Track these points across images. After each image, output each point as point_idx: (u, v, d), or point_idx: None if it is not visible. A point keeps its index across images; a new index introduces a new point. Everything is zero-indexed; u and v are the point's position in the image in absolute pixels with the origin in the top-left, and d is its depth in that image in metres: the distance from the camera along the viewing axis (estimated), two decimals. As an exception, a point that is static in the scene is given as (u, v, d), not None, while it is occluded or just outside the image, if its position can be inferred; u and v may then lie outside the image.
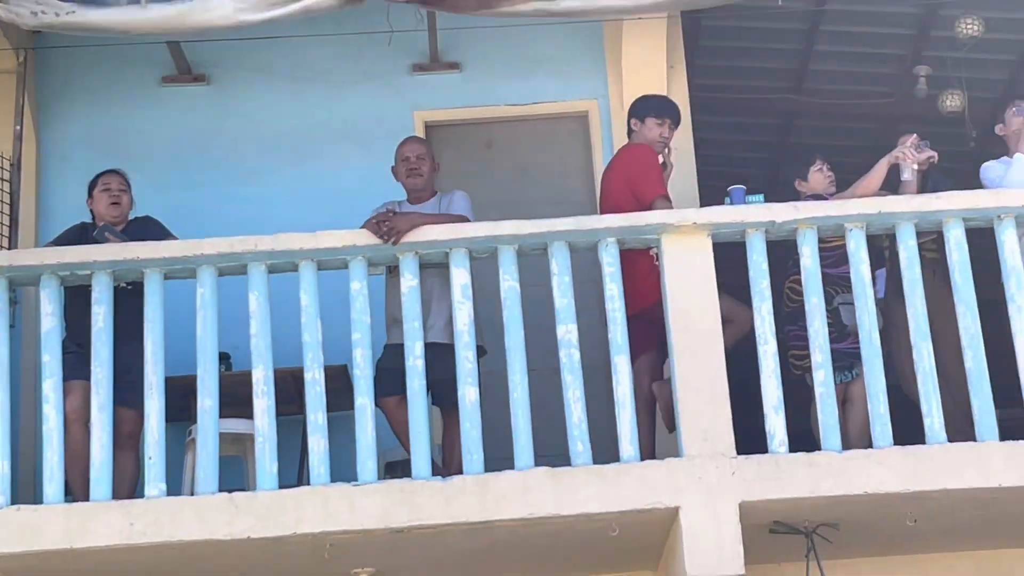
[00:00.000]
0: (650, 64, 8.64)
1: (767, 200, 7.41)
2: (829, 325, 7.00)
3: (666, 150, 7.75)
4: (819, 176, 7.97)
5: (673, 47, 8.79)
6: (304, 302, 6.98)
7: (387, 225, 6.97)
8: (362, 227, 7.05)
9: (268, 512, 6.66)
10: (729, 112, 11.24)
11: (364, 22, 8.27)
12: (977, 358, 6.88)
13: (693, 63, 10.33)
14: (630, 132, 7.81)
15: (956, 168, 10.48)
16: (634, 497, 6.69)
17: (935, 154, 7.73)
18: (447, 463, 7.32)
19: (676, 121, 7.80)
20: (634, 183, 7.53)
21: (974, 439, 6.80)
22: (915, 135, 7.89)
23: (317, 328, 6.95)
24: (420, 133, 8.76)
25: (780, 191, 8.34)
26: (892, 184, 7.62)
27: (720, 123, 11.32)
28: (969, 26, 9.50)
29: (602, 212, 7.57)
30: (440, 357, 7.11)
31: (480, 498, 6.68)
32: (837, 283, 7.45)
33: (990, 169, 7.81)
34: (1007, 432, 6.88)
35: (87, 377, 6.90)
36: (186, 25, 7.66)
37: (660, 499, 6.69)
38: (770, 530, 6.92)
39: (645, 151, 7.66)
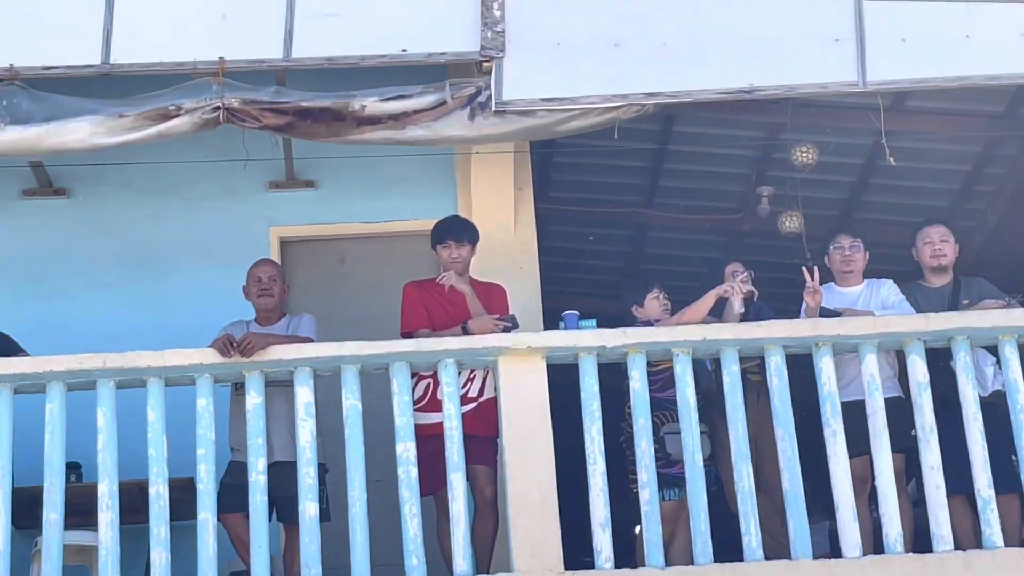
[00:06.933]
0: (498, 186, 8.98)
1: (599, 325, 7.75)
2: (656, 452, 7.36)
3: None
4: (655, 303, 8.31)
5: (521, 169, 9.12)
6: (151, 418, 7.20)
7: (244, 341, 7.23)
8: (209, 346, 7.31)
9: (109, 622, 6.84)
10: (585, 224, 11.63)
11: (222, 140, 8.48)
12: (793, 480, 7.26)
13: (548, 177, 10.74)
14: None
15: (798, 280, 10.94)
16: (463, 611, 6.98)
17: (755, 292, 8.13)
18: (287, 576, 7.57)
19: (458, 238, 8.08)
20: None
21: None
22: (741, 266, 8.33)
23: (163, 444, 7.16)
24: (275, 249, 9.04)
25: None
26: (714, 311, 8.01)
27: (575, 234, 11.71)
28: (804, 154, 9.94)
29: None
30: (284, 473, 7.37)
31: (317, 610, 6.92)
32: (664, 407, 7.78)
33: (813, 293, 8.21)
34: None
35: None
36: (43, 147, 7.89)
37: (489, 613, 7.00)
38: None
39: (404, 289, 8.05)
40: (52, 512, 7.07)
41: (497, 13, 8.02)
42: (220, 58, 7.90)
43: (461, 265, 8.02)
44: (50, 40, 8.00)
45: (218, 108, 7.84)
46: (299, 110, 7.90)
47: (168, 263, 9.07)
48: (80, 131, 7.80)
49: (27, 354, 7.61)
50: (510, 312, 7.90)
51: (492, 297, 7.98)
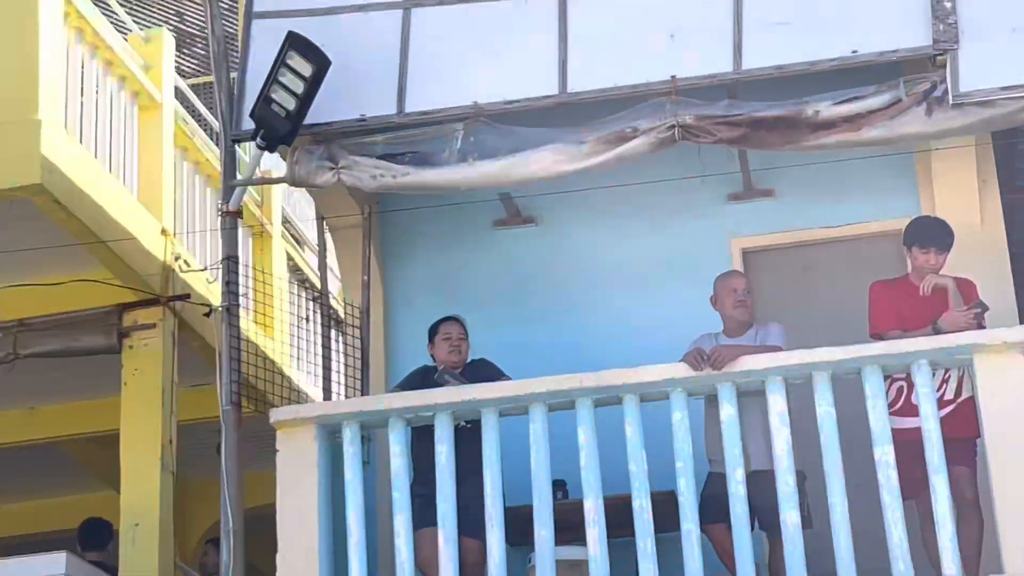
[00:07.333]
0: (961, 180, 8.77)
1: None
2: None
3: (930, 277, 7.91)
4: None
5: (984, 161, 8.88)
6: (629, 433, 7.41)
7: (714, 354, 7.36)
8: (681, 360, 7.46)
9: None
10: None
11: (678, 156, 8.58)
12: None
13: (1013, 167, 10.40)
14: None
15: None
16: (955, 615, 6.88)
17: None
18: (774, 586, 7.62)
19: (940, 247, 7.94)
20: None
21: None
22: None
23: (642, 458, 7.36)
24: (738, 260, 9.08)
25: None
26: None
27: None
28: None
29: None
30: (762, 483, 7.43)
31: (806, 618, 6.96)
32: None
33: None
34: None
35: (436, 522, 7.44)
36: (510, 178, 8.21)
37: (979, 616, 6.86)
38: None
39: (871, 290, 7.94)
40: (543, 529, 7.38)
41: (948, 5, 7.87)
42: (672, 76, 8.04)
43: (935, 270, 7.93)
44: (509, 75, 8.31)
45: (673, 126, 7.97)
46: (752, 121, 7.94)
47: (635, 281, 9.20)
48: (543, 160, 8.07)
49: (508, 378, 7.95)
50: (982, 306, 7.73)
51: (962, 292, 7.82)
